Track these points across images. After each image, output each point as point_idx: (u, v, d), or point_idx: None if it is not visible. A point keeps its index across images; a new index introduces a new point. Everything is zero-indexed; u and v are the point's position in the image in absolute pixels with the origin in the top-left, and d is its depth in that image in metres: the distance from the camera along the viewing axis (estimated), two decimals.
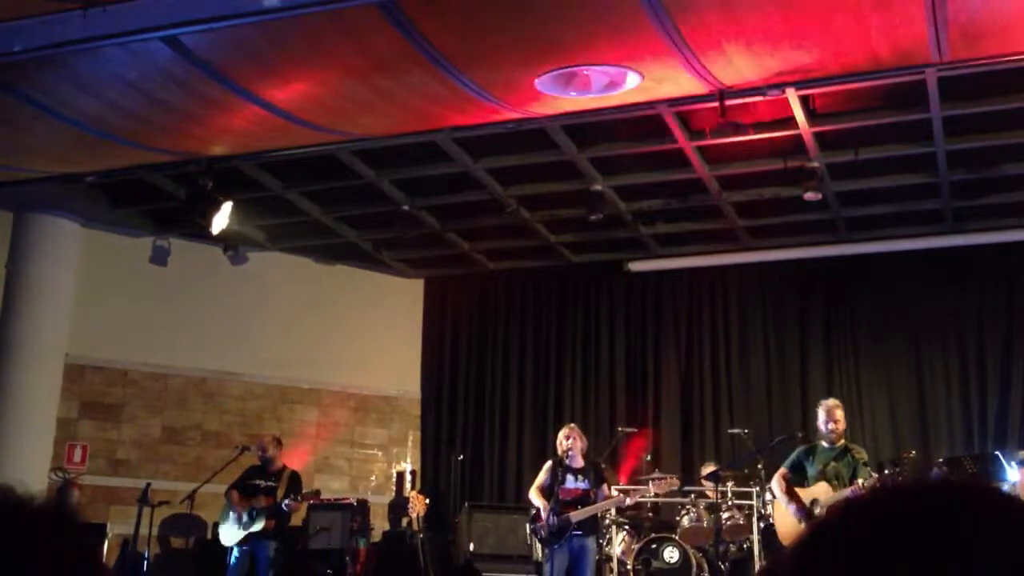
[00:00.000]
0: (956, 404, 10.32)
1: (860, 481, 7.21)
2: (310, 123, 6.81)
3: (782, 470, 7.70)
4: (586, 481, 8.13)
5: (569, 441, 8.15)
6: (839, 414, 7.59)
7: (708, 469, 9.47)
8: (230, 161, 8.27)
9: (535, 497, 8.17)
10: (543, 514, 8.07)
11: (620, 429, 10.75)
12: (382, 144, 8.10)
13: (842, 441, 7.60)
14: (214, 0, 5.24)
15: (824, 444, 7.60)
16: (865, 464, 7.44)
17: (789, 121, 7.72)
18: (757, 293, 11.35)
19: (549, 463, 8.34)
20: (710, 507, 9.07)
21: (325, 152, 8.31)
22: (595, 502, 8.09)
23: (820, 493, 7.40)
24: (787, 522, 7.65)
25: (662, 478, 8.64)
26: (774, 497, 7.91)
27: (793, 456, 7.74)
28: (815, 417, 7.87)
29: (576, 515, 7.98)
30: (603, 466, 8.68)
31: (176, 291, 11.20)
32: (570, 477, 8.15)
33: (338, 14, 5.27)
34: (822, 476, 7.45)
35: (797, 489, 7.53)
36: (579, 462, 8.19)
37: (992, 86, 7.16)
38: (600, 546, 8.57)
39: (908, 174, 8.94)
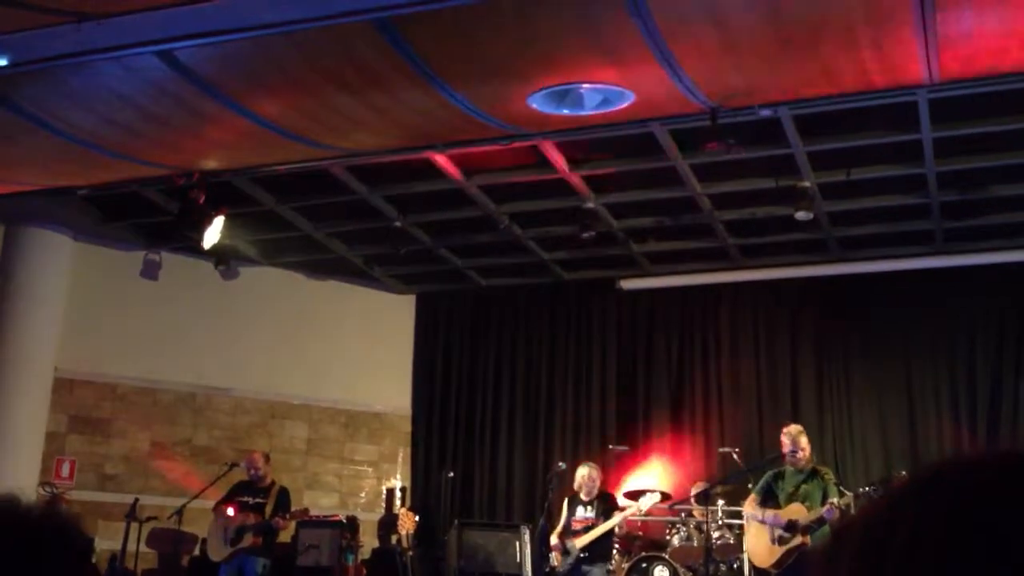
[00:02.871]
0: (947, 424, 10.33)
1: (835, 500, 7.24)
2: (303, 138, 6.81)
3: (752, 496, 7.80)
4: (594, 511, 8.54)
5: (589, 481, 8.64)
6: (803, 441, 7.64)
7: (699, 488, 9.46)
8: (222, 175, 8.27)
9: (554, 536, 8.63)
10: (552, 544, 8.55)
11: (611, 447, 10.74)
12: (375, 160, 8.11)
13: (810, 464, 7.65)
14: (208, 15, 5.24)
15: (791, 468, 7.64)
16: (835, 484, 7.50)
17: (784, 140, 7.75)
18: (748, 312, 11.35)
19: (566, 500, 8.79)
20: (700, 526, 9.06)
21: (317, 167, 8.31)
22: None
23: (795, 513, 7.42)
24: (759, 543, 7.68)
25: (647, 491, 9.05)
26: (744, 524, 8.01)
27: (762, 482, 7.83)
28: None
29: (578, 541, 8.41)
30: (612, 495, 9.08)
31: (167, 305, 11.17)
32: (580, 509, 8.64)
33: (332, 30, 5.28)
34: (793, 499, 7.49)
35: (774, 512, 7.61)
36: (592, 495, 8.63)
37: (983, 107, 7.20)
38: (609, 572, 8.84)
39: (899, 194, 8.97)
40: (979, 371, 10.34)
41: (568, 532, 8.55)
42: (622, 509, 8.79)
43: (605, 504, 8.63)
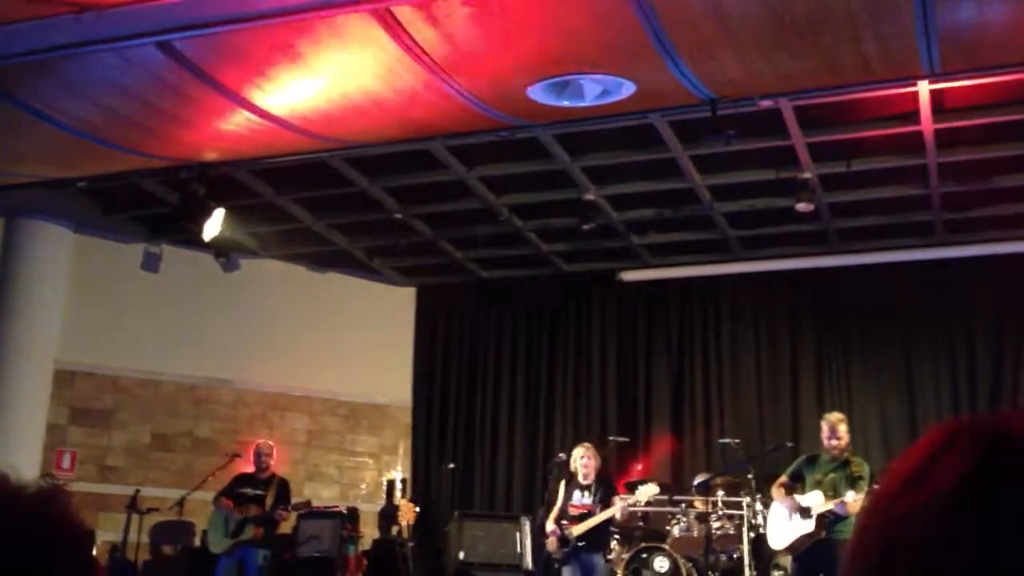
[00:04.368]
0: (946, 415, 10.33)
1: (848, 495, 7.20)
2: (303, 130, 6.80)
3: (782, 478, 7.75)
4: (592, 497, 8.34)
5: (584, 460, 8.43)
6: (842, 429, 7.55)
7: (699, 479, 9.47)
8: (223, 167, 8.26)
9: (550, 520, 8.45)
10: (548, 529, 8.35)
11: (611, 439, 10.74)
12: (375, 152, 8.10)
13: (844, 453, 7.59)
14: (208, 5, 5.23)
15: (826, 455, 7.60)
16: (861, 478, 7.38)
17: (785, 131, 7.74)
18: (748, 303, 11.36)
19: (563, 482, 8.57)
20: (700, 517, 9.07)
21: (318, 159, 8.30)
22: None
23: (813, 501, 7.42)
24: (776, 525, 7.68)
25: (645, 481, 8.90)
26: (767, 506, 7.95)
27: (794, 465, 7.79)
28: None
29: (576, 529, 8.21)
30: (611, 478, 8.91)
31: (168, 297, 11.16)
32: (577, 493, 8.43)
33: (332, 20, 5.28)
34: (819, 486, 7.47)
35: (793, 495, 7.59)
36: (589, 479, 8.42)
37: (984, 98, 7.19)
38: (608, 561, 8.74)
39: (899, 186, 8.97)
40: (979, 363, 10.35)
41: (565, 516, 8.36)
42: (623, 496, 8.74)
43: (604, 489, 8.41)
